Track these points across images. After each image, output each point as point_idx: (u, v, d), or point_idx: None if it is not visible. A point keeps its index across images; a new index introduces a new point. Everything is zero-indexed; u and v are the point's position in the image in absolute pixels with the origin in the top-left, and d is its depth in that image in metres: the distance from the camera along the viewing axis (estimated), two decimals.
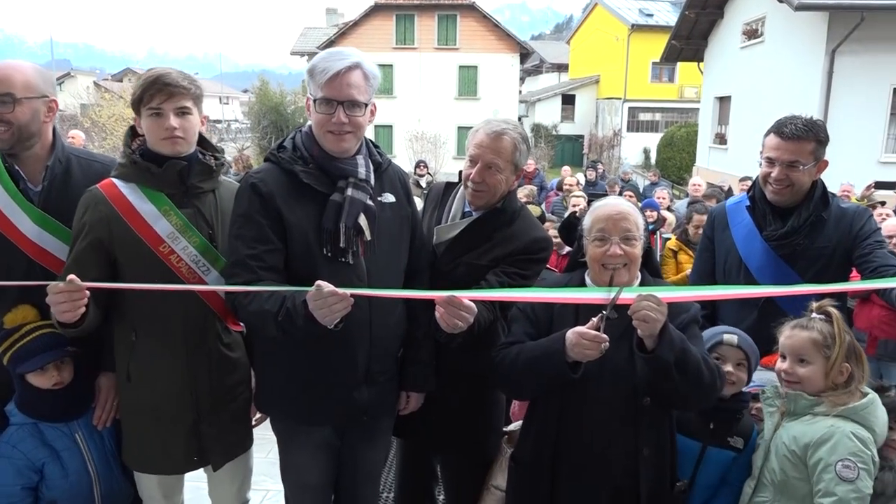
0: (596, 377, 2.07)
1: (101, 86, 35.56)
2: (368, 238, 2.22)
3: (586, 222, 2.22)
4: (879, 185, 6.99)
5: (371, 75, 2.19)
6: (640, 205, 8.15)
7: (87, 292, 2.00)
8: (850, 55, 13.51)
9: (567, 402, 2.13)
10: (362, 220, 2.18)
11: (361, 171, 2.23)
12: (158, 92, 2.18)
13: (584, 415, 2.13)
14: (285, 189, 2.16)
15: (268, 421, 2.51)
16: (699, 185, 9.30)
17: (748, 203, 2.81)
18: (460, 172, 2.59)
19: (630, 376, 2.09)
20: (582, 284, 2.25)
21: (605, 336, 1.95)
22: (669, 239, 6.08)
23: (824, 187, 2.73)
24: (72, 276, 1.97)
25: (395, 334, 2.38)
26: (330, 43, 28.54)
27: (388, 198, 2.30)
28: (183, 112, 2.22)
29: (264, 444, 2.70)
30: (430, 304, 2.06)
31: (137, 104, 2.22)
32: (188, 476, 2.56)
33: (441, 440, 2.61)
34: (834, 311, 2.19)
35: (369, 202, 2.22)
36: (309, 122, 2.26)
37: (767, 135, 2.70)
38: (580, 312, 2.15)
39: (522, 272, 2.43)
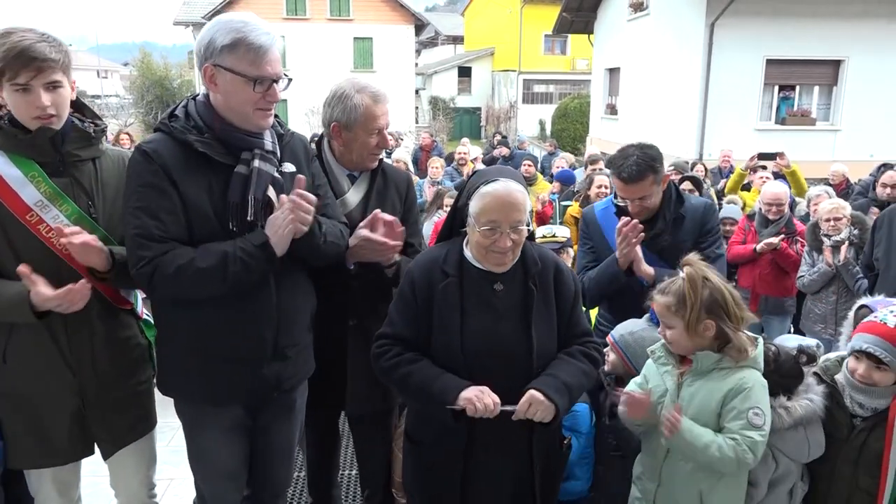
0: (494, 351, 2.09)
1: None
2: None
3: (474, 206, 2.09)
4: (762, 157, 7.41)
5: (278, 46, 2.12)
6: (538, 174, 8.34)
7: None
8: (728, 28, 14.20)
9: (467, 378, 2.08)
10: (271, 193, 2.09)
11: (268, 143, 2.14)
12: (24, 67, 1.98)
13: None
14: (180, 161, 2.03)
15: (169, 408, 2.36)
16: (591, 154, 9.62)
17: (615, 210, 2.99)
18: (319, 142, 2.67)
19: (526, 349, 2.10)
20: (461, 257, 2.19)
21: (498, 410, 1.99)
22: (570, 206, 6.22)
23: (676, 188, 3.01)
24: None
25: (303, 307, 2.32)
26: (216, 12, 27.14)
27: (289, 167, 2.22)
28: (54, 86, 2.04)
29: (166, 430, 2.58)
30: None
31: None
32: (85, 471, 2.40)
33: (353, 402, 2.67)
34: (688, 269, 2.23)
35: (276, 174, 2.13)
36: (203, 92, 2.14)
37: (611, 174, 2.97)
38: (465, 307, 2.11)
39: (416, 215, 2.81)
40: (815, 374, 2.35)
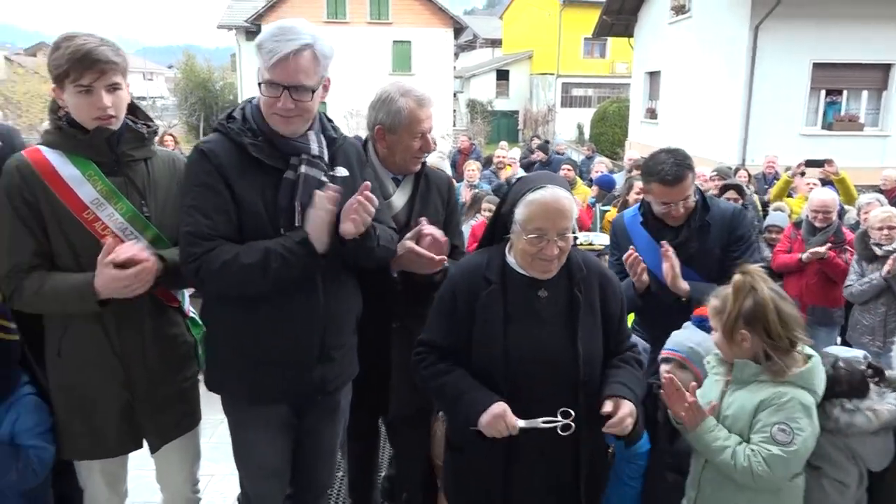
0: (538, 358, 2.07)
1: (14, 61, 33.47)
2: None
3: (520, 213, 2.06)
4: (810, 164, 7.23)
5: (322, 55, 2.08)
6: (577, 178, 8.27)
7: None
8: (773, 31, 13.94)
9: (514, 389, 2.06)
10: None
11: (314, 148, 2.16)
12: (88, 69, 2.05)
13: (533, 398, 2.07)
14: (235, 161, 2.08)
15: (211, 404, 2.42)
16: (633, 159, 9.51)
17: (641, 219, 3.00)
18: (364, 145, 2.66)
19: (571, 356, 2.08)
20: (503, 263, 2.16)
21: (517, 431, 1.99)
22: (608, 211, 6.17)
23: (703, 194, 2.99)
24: None
25: (350, 309, 2.34)
26: (259, 16, 27.60)
27: (341, 171, 2.24)
28: (114, 88, 2.11)
29: (207, 427, 2.62)
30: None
31: (62, 78, 2.07)
32: (131, 465, 2.45)
33: (396, 404, 2.69)
34: (738, 276, 2.18)
35: (324, 179, 2.15)
36: (258, 96, 2.17)
37: (647, 182, 2.91)
38: (509, 314, 2.09)
39: (458, 218, 2.92)
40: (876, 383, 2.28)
